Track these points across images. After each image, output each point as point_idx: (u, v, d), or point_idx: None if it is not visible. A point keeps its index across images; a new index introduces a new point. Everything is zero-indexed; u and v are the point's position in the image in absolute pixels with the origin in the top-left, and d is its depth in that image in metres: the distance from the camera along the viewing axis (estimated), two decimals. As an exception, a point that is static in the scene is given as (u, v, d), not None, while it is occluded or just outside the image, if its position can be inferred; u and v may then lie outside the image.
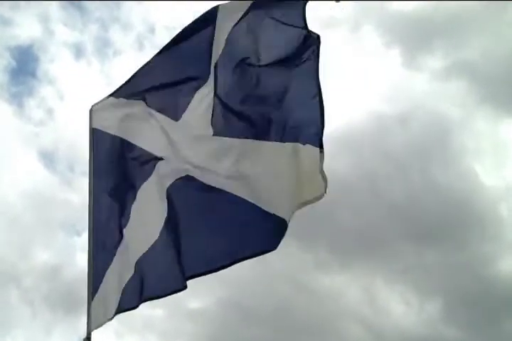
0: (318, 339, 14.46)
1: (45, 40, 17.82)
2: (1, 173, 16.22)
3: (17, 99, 18.40)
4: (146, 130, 4.58)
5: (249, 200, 4.02)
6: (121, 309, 4.23)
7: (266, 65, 4.19)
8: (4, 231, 14.82)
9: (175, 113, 4.47)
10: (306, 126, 3.93)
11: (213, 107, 4.30)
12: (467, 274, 14.38)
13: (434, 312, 14.67)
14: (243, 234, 4.04)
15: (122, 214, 4.44)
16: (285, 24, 4.17)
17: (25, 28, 17.05)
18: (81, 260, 12.49)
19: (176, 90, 4.53)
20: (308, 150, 3.85)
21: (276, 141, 4.02)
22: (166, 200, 4.28)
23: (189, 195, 4.26)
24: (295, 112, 4.02)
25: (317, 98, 3.91)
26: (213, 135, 4.25)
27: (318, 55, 3.99)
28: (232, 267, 4.02)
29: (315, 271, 15.15)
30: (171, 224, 4.23)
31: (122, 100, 4.69)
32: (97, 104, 4.75)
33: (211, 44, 4.41)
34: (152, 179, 4.42)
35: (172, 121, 4.46)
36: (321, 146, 3.81)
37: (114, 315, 4.23)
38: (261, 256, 3.97)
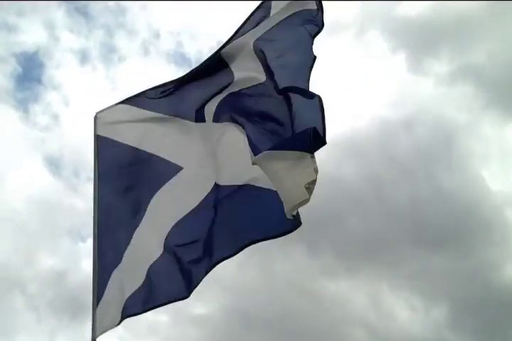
0: (323, 344, 14.42)
1: (50, 46, 17.93)
2: (6, 179, 16.28)
3: (23, 105, 18.46)
4: (157, 136, 4.63)
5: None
6: (126, 314, 4.24)
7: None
8: (9, 236, 14.86)
9: (193, 115, 4.55)
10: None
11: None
12: (473, 280, 14.32)
13: (440, 317, 14.61)
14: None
15: (131, 221, 4.45)
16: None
17: (31, 34, 17.16)
18: (86, 266, 12.52)
19: (195, 94, 4.61)
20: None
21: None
22: (185, 206, 4.35)
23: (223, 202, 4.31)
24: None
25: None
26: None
27: None
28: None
29: (320, 276, 15.14)
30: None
31: (130, 107, 4.73)
32: (101, 111, 4.78)
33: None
34: (168, 186, 4.45)
35: (191, 123, 4.53)
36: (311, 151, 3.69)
37: (120, 322, 4.24)
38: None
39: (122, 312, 4.25)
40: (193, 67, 4.75)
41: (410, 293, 14.97)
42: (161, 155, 4.57)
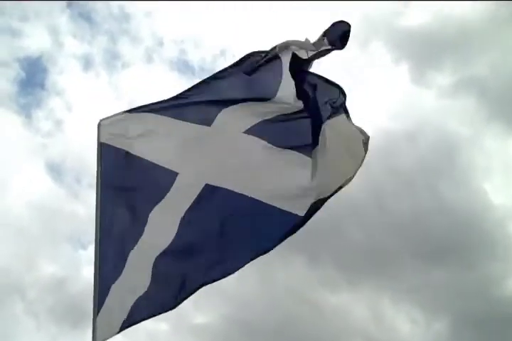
0: (323, 356, 14.33)
1: (54, 51, 18.02)
2: (8, 184, 16.29)
3: (25, 110, 18.54)
4: (158, 143, 4.63)
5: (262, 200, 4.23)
6: (129, 323, 4.23)
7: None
8: (10, 242, 14.85)
9: (207, 119, 4.57)
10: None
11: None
12: (475, 293, 14.26)
13: (442, 331, 14.53)
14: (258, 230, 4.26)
15: (133, 230, 4.45)
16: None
17: (35, 39, 17.27)
18: (87, 273, 12.52)
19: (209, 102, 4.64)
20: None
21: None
22: (185, 214, 4.37)
23: (215, 204, 4.36)
24: None
25: None
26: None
27: None
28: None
29: (321, 288, 15.08)
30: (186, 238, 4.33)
31: (134, 114, 4.73)
32: (105, 118, 4.77)
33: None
34: (169, 195, 4.46)
35: (204, 127, 4.56)
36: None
37: (120, 330, 4.24)
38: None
39: (124, 320, 4.24)
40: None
41: (411, 306, 14.92)
42: (162, 164, 4.57)
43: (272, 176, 4.32)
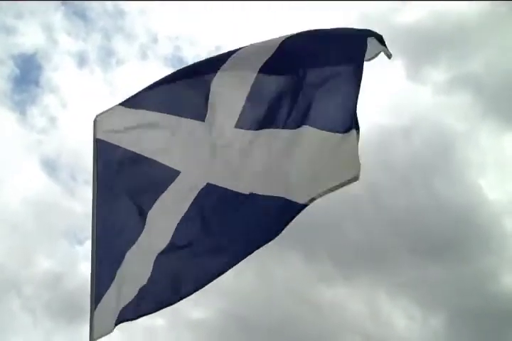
0: (320, 352, 14.37)
1: (48, 48, 17.98)
2: (3, 181, 16.28)
3: (20, 107, 18.50)
4: (158, 141, 4.59)
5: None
6: (124, 318, 4.23)
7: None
8: (6, 238, 14.83)
9: (199, 114, 4.48)
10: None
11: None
12: (471, 289, 14.31)
13: (438, 326, 14.59)
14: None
15: (132, 227, 4.43)
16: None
17: (29, 36, 17.23)
18: (83, 269, 12.52)
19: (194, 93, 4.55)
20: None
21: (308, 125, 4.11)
22: (185, 210, 4.32)
23: (215, 203, 4.29)
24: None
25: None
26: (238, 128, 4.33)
27: None
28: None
29: (318, 283, 15.11)
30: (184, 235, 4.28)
31: (131, 110, 4.69)
32: (101, 114, 4.73)
33: None
34: (168, 192, 4.42)
35: (199, 122, 4.47)
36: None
37: (115, 325, 4.23)
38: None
39: (119, 316, 4.23)
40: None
41: (408, 301, 14.97)
42: (160, 160, 4.52)
43: (269, 167, 4.18)
